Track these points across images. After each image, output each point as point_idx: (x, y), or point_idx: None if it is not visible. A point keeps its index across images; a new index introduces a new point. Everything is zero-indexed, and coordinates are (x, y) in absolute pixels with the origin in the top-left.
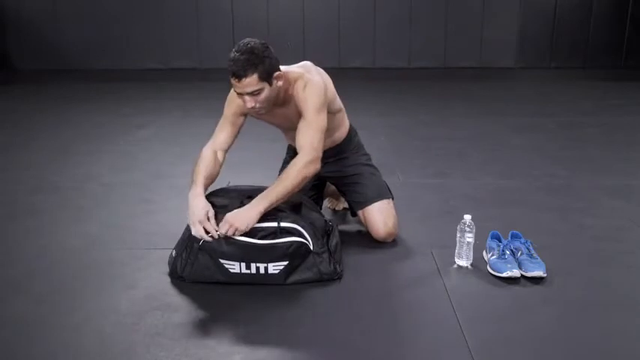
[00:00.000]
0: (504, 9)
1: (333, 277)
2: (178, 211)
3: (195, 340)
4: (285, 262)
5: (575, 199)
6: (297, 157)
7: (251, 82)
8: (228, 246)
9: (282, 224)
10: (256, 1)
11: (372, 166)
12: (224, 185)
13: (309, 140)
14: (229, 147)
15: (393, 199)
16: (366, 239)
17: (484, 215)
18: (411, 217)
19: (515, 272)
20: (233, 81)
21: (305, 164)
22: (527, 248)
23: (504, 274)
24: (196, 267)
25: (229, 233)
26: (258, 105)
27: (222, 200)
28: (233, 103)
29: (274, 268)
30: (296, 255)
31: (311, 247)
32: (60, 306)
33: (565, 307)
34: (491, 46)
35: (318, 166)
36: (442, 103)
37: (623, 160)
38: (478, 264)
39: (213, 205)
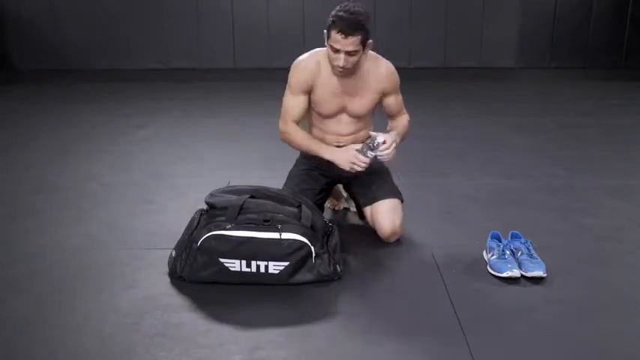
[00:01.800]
0: (504, 9)
1: (333, 278)
2: (178, 211)
3: (195, 340)
4: (286, 263)
5: (575, 199)
6: (403, 116)
7: (354, 41)
8: (228, 244)
9: (284, 236)
10: (256, 1)
11: (385, 167)
12: (224, 185)
13: (404, 109)
14: (300, 119)
15: (402, 201)
16: (366, 239)
17: (484, 215)
18: (411, 217)
19: (515, 272)
20: (338, 36)
21: (409, 121)
22: (527, 248)
23: (504, 274)
24: (196, 267)
25: (391, 152)
26: (348, 65)
27: (224, 203)
28: (301, 77)
29: (275, 267)
30: (297, 257)
31: (313, 251)
32: (60, 306)
33: (565, 307)
34: (491, 46)
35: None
36: (442, 103)
37: (623, 160)
38: (478, 264)
39: (214, 207)
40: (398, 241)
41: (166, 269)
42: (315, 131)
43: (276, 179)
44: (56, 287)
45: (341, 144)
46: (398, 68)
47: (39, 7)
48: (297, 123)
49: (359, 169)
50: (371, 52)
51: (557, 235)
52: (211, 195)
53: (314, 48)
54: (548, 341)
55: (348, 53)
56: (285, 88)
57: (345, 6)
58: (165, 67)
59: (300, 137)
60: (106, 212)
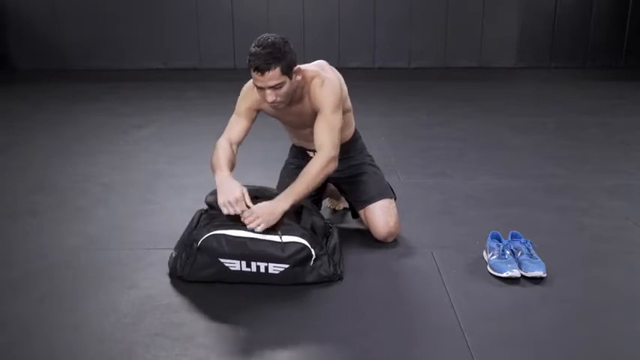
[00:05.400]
0: (504, 9)
1: (333, 279)
2: (178, 211)
3: (195, 340)
4: (286, 266)
5: (575, 199)
6: (318, 155)
7: (274, 75)
8: (228, 245)
9: (284, 238)
10: (256, 1)
11: (375, 166)
12: None
13: (329, 139)
14: (242, 142)
15: (395, 199)
16: (366, 239)
17: (484, 215)
18: (411, 217)
19: (515, 272)
20: (256, 75)
21: (326, 162)
22: (527, 248)
23: (504, 274)
24: (196, 267)
25: (253, 224)
26: (278, 99)
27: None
28: (248, 98)
29: (275, 268)
30: (297, 259)
31: (312, 254)
32: (60, 306)
33: (565, 307)
34: (491, 46)
35: (336, 164)
36: (442, 103)
37: (623, 160)
38: (478, 264)
39: (214, 208)
40: (397, 242)
41: (166, 269)
42: (292, 136)
43: (276, 179)
44: (56, 287)
45: None
46: (398, 68)
47: (39, 7)
48: (236, 144)
49: (229, 210)
50: (312, 70)
51: (557, 235)
52: (212, 194)
53: (313, 48)
54: (548, 341)
55: (273, 87)
56: None
57: (259, 40)
58: (165, 67)
59: (216, 157)
60: (106, 212)
